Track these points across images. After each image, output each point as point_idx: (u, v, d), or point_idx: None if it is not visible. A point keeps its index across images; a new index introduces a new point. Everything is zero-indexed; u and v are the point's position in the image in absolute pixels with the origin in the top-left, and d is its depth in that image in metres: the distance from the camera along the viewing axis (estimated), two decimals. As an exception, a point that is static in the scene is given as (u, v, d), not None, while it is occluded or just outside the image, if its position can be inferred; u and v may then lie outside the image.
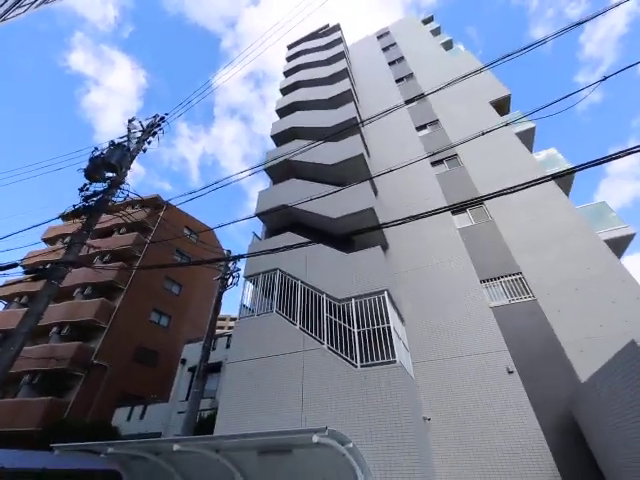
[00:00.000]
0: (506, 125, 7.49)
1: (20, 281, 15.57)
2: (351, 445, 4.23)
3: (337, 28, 21.05)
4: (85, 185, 8.45)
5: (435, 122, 13.52)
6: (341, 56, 17.60)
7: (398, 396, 5.60)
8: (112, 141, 9.21)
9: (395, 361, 5.93)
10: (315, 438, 3.66)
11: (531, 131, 11.53)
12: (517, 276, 8.02)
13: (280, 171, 12.75)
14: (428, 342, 7.52)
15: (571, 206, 8.63)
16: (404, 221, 5.35)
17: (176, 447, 4.37)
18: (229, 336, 14.19)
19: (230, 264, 11.15)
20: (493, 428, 6.09)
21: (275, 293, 8.22)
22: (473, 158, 11.17)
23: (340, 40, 19.39)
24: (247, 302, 9.18)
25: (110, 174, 8.72)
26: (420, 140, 12.99)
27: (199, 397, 8.27)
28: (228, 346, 14.03)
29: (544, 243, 8.20)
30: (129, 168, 9.24)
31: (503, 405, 6.32)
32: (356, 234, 9.03)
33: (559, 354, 6.59)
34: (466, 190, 10.33)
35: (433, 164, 11.82)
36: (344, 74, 15.88)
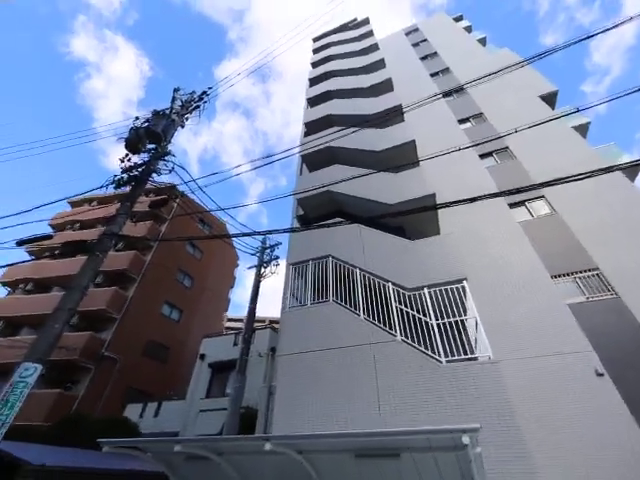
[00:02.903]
0: (563, 116, 7.11)
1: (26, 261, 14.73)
2: (479, 450, 3.54)
3: (367, 22, 20.70)
4: (127, 155, 7.76)
5: (479, 115, 13.02)
6: (376, 47, 17.19)
7: (495, 396, 4.91)
8: (155, 109, 8.55)
9: (489, 357, 5.26)
10: (466, 439, 2.98)
11: (585, 126, 11.07)
12: (594, 272, 7.42)
13: (318, 158, 12.12)
14: (500, 340, 6.85)
15: (644, 200, 8.09)
16: (465, 202, 5.11)
17: (268, 446, 3.63)
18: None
19: (266, 252, 10.45)
20: (591, 436, 5.42)
21: (330, 281, 7.52)
22: (526, 151, 10.63)
23: (371, 33, 19.02)
24: (289, 291, 8.46)
25: (151, 145, 8.08)
26: (464, 133, 12.45)
27: (241, 393, 7.52)
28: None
29: (619, 237, 7.62)
30: (170, 142, 8.53)
31: (596, 411, 5.65)
32: (409, 213, 8.42)
33: (657, 356, 5.96)
34: (522, 182, 9.71)
35: (481, 157, 11.27)
36: (381, 64, 15.42)
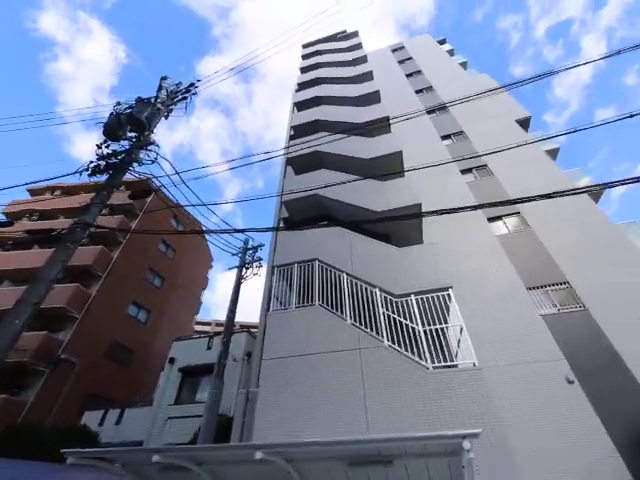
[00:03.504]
0: (538, 141, 7.77)
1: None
2: (472, 455, 3.56)
3: (356, 34, 21.21)
4: (106, 142, 7.25)
5: (460, 133, 13.67)
6: (364, 59, 17.61)
7: (479, 403, 5.03)
8: (139, 97, 8.12)
9: (474, 363, 5.39)
10: (467, 444, 2.97)
11: (555, 151, 11.95)
12: (564, 285, 7.92)
13: (305, 162, 12.08)
14: (480, 348, 7.07)
15: (607, 220, 8.82)
16: (449, 212, 5.42)
17: (259, 455, 3.42)
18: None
19: (248, 254, 10.15)
20: (565, 441, 5.70)
21: (316, 285, 7.42)
22: (504, 169, 11.27)
23: (360, 45, 19.49)
24: (273, 294, 8.26)
25: (132, 134, 7.64)
26: (446, 149, 12.99)
27: (219, 399, 7.14)
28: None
29: (587, 254, 8.22)
30: (153, 131, 8.11)
31: (568, 417, 5.97)
32: (396, 219, 8.61)
33: (619, 365, 6.42)
34: (500, 198, 10.28)
35: (462, 172, 11.79)
36: (369, 76, 15.80)
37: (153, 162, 7.43)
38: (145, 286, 18.82)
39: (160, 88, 8.28)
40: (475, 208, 6.65)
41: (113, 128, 7.20)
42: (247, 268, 9.69)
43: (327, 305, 7.12)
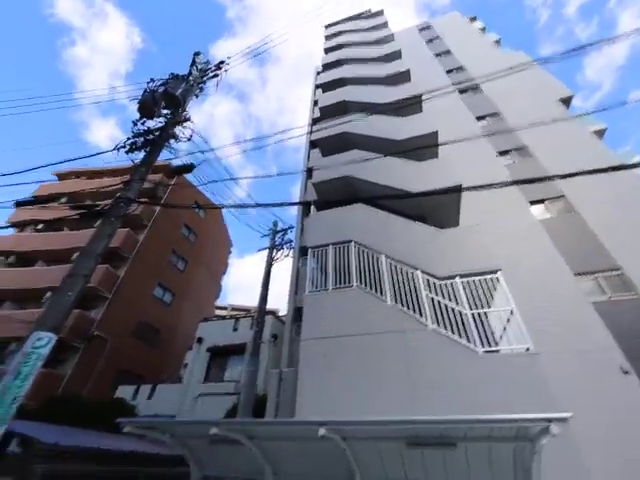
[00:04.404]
0: (582, 116, 7.15)
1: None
2: (545, 441, 3.37)
3: (381, 13, 20.29)
4: (142, 118, 7.15)
5: (495, 114, 12.96)
6: (391, 38, 16.86)
7: (534, 388, 4.80)
8: (173, 73, 7.97)
9: (528, 348, 5.14)
10: (555, 429, 2.78)
11: (602, 131, 11.17)
12: (617, 272, 7.46)
13: (333, 143, 11.76)
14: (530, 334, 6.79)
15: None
16: (488, 187, 5.39)
17: (322, 432, 3.35)
18: (252, 317, 13.02)
19: (278, 236, 10.05)
20: (620, 435, 5.43)
21: (353, 267, 7.24)
22: (545, 151, 10.64)
23: (386, 24, 18.64)
24: (308, 276, 8.13)
25: (165, 111, 7.51)
26: (481, 130, 12.36)
27: (255, 377, 7.19)
28: (251, 327, 12.86)
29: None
30: (186, 109, 7.93)
31: (623, 407, 5.68)
32: (434, 194, 8.33)
33: (679, 357, 6.03)
34: (543, 180, 9.74)
35: (500, 154, 11.21)
36: (397, 55, 15.11)
37: (189, 139, 7.34)
38: (169, 269, 19.16)
39: (193, 63, 8.09)
40: (516, 183, 6.43)
41: (148, 105, 7.09)
42: (278, 250, 9.62)
43: (365, 287, 6.95)
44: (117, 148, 6.78)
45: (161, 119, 7.37)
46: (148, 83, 7.53)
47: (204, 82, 8.52)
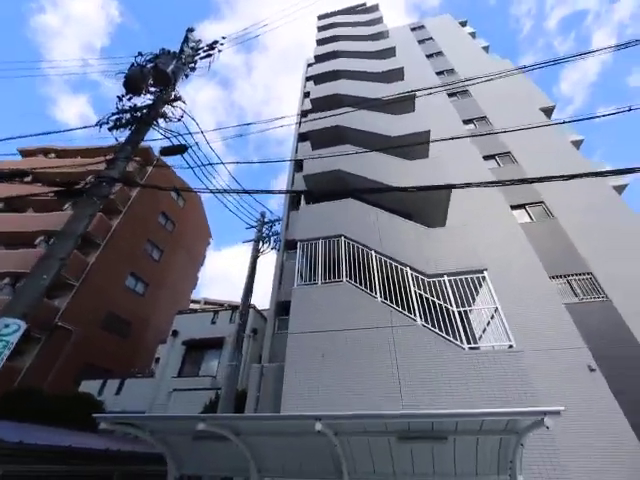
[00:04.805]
0: (561, 123, 7.46)
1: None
2: (530, 434, 3.46)
3: (376, 8, 20.21)
4: (129, 94, 6.66)
5: (482, 118, 13.32)
6: (386, 34, 16.88)
7: (517, 384, 4.96)
8: (163, 48, 7.48)
9: (512, 345, 5.30)
10: (549, 422, 2.84)
11: (579, 142, 11.78)
12: (587, 276, 7.90)
13: (323, 136, 11.60)
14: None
15: (631, 212, 8.78)
16: (474, 184, 5.22)
17: (319, 426, 3.24)
18: (234, 309, 12.67)
19: (265, 227, 9.79)
20: (587, 426, 5.76)
21: (342, 261, 7.17)
22: (527, 158, 11.06)
23: (381, 19, 18.61)
24: (297, 269, 7.98)
25: (153, 88, 7.05)
26: (468, 133, 12.66)
27: (237, 371, 6.97)
28: (231, 320, 12.51)
29: (611, 246, 8.19)
30: (175, 88, 7.50)
31: (588, 400, 6.04)
32: (422, 190, 8.34)
33: (641, 355, 6.48)
34: (524, 186, 10.13)
35: (485, 158, 11.54)
36: (391, 52, 15.13)
37: (180, 119, 6.91)
38: (144, 258, 18.27)
39: (185, 40, 7.63)
40: (499, 184, 6.56)
41: (135, 80, 6.60)
42: (264, 242, 9.37)
43: (355, 282, 6.90)
44: (100, 124, 6.25)
45: (149, 96, 6.92)
46: (136, 57, 7.01)
47: (195, 62, 8.06)
